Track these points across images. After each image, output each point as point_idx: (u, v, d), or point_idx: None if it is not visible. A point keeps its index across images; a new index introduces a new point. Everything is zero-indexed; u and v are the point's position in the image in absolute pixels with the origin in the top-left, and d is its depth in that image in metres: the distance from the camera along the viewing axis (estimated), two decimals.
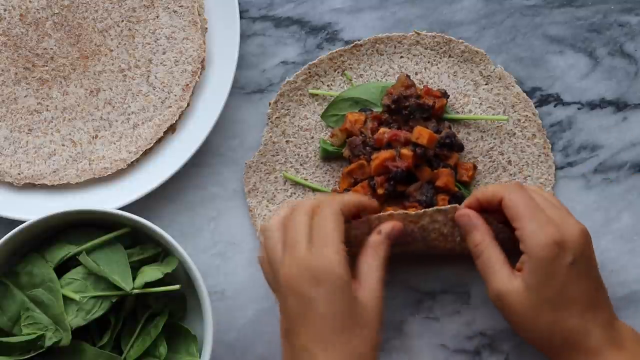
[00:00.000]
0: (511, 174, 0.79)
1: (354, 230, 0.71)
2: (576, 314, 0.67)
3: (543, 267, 0.66)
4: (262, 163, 0.79)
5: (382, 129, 0.76)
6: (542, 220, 0.67)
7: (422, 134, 0.74)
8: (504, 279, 0.68)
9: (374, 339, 0.65)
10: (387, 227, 0.69)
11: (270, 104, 0.79)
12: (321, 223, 0.66)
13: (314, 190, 0.79)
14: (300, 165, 0.79)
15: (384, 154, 0.75)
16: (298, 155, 0.79)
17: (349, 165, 0.77)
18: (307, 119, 0.79)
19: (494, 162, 0.79)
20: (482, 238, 0.69)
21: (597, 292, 0.69)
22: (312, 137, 0.79)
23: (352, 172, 0.76)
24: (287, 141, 0.79)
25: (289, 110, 0.79)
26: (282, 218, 0.68)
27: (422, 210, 0.71)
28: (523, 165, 0.79)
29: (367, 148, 0.76)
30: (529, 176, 0.79)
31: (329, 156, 0.79)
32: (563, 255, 0.66)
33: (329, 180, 0.79)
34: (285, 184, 0.79)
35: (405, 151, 0.74)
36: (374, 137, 0.76)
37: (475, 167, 0.78)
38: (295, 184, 0.79)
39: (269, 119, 0.79)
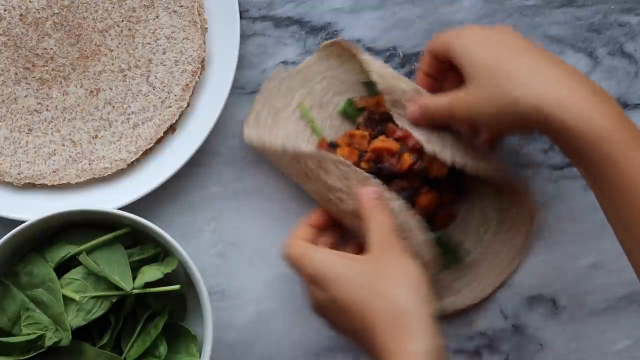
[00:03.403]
0: None
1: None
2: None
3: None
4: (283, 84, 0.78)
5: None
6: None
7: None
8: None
9: None
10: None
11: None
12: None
13: (313, 131, 0.78)
14: (319, 107, 0.79)
15: (389, 143, 0.74)
16: (323, 95, 0.79)
17: (355, 130, 0.76)
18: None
19: None
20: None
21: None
22: (346, 90, 0.79)
23: (353, 136, 0.75)
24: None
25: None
26: None
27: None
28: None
29: (379, 127, 0.75)
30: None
31: (346, 115, 0.78)
32: None
33: (336, 134, 0.78)
34: (294, 113, 0.78)
35: (407, 157, 0.73)
36: (388, 125, 0.75)
37: None
38: (301, 119, 0.78)
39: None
